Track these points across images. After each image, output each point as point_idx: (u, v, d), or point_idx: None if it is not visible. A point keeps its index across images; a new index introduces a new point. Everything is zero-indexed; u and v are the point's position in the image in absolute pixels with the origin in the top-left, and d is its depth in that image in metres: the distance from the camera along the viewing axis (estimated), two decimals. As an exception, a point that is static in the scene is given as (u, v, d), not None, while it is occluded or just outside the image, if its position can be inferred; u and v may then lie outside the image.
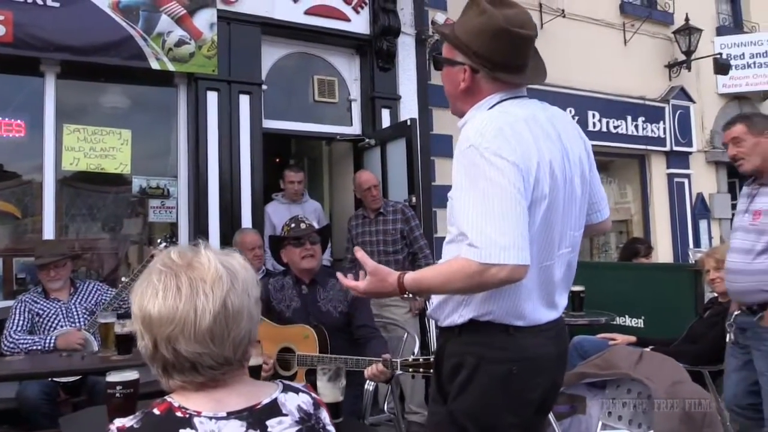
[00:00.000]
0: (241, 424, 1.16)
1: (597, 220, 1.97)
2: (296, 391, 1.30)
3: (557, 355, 1.82)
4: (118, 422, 1.16)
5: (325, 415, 1.31)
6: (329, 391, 2.20)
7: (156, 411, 1.16)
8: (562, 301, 1.86)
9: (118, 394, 2.02)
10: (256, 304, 1.26)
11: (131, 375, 2.06)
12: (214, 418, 1.15)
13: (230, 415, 1.17)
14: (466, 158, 1.66)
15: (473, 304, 1.73)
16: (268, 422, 1.19)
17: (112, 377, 2.05)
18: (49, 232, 4.76)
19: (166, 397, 1.19)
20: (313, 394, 1.34)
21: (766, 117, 3.41)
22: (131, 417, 1.16)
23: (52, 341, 3.74)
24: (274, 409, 1.22)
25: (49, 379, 3.65)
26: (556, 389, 1.91)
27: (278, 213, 5.27)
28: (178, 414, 1.15)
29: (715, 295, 3.88)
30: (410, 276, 1.77)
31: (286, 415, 1.22)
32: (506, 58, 1.75)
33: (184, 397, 1.18)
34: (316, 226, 3.62)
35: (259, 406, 1.20)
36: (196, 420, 1.14)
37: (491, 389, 1.69)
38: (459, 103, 1.88)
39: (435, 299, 1.86)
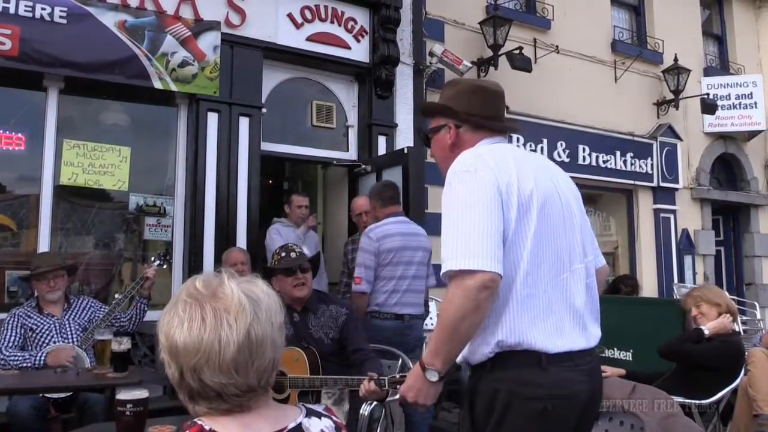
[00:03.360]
0: None
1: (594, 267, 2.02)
2: (318, 415, 1.33)
3: (590, 394, 1.78)
4: None
5: None
6: (333, 415, 2.23)
7: None
8: (594, 330, 1.84)
9: (128, 412, 2.02)
10: (279, 330, 1.26)
11: (141, 393, 2.06)
12: None
13: None
14: (447, 185, 1.79)
15: (500, 330, 1.71)
16: None
17: (123, 395, 2.04)
18: (44, 246, 4.75)
19: (196, 420, 1.21)
20: (334, 418, 1.37)
21: None
22: None
23: (42, 358, 3.68)
24: None
25: (41, 394, 3.61)
26: (589, 423, 1.87)
27: (285, 234, 5.23)
28: None
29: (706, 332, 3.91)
30: (425, 352, 1.77)
31: None
32: (484, 110, 1.98)
33: (213, 420, 1.20)
34: (307, 253, 3.63)
35: (285, 431, 1.23)
36: None
37: (526, 427, 1.67)
38: (449, 162, 1.91)
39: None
